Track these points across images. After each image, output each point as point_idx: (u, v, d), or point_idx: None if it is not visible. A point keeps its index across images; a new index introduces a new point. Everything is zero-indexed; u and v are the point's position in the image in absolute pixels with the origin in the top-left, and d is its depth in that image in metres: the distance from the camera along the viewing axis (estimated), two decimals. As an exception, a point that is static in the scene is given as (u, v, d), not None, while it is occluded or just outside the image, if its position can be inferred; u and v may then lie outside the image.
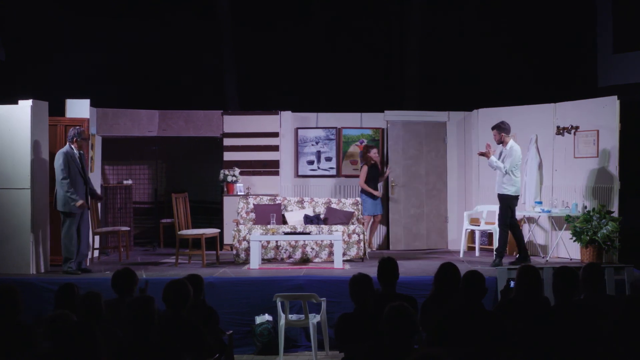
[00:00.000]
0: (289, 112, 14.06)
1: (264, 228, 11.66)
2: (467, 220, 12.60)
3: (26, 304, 6.11)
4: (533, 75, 15.06)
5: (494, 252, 11.15)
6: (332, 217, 12.26)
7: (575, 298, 6.09)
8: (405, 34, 15.89)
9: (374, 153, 13.11)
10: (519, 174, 10.98)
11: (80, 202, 10.21)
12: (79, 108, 11.86)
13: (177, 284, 6.05)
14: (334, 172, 13.99)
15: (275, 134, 13.79)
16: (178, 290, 6.01)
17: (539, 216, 11.72)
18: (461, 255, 12.36)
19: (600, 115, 11.72)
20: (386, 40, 16.30)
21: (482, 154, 11.22)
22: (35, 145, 10.40)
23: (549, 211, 11.75)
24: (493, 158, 11.03)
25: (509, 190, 10.91)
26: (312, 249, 11.60)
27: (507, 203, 10.96)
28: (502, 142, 11.04)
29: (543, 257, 11.57)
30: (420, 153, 13.85)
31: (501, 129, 11.03)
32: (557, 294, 6.01)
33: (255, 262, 10.92)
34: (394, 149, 13.82)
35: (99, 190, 13.07)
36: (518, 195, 11.07)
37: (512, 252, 12.38)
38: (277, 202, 12.54)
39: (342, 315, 6.06)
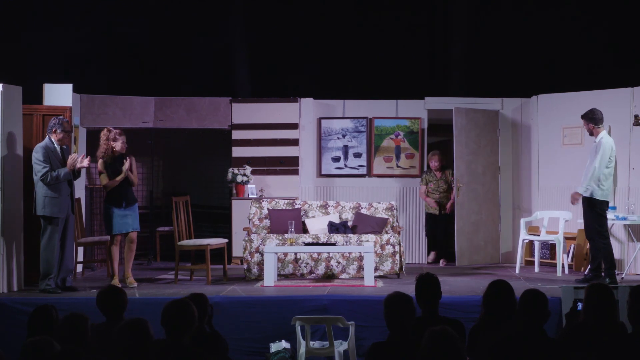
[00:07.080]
0: (311, 99, 14.08)
1: (280, 238, 11.67)
2: (525, 228, 12.52)
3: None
4: (605, 54, 14.89)
5: (602, 274, 10.82)
6: (361, 224, 12.24)
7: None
8: (450, 4, 15.79)
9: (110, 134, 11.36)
10: (609, 174, 10.91)
11: (73, 158, 10.40)
12: (59, 94, 11.89)
13: (180, 305, 6.00)
14: (364, 170, 13.99)
15: (294, 125, 13.83)
16: (181, 312, 5.95)
17: (613, 224, 11.64)
18: (517, 270, 12.29)
19: (689, 102, 11.68)
20: (427, 12, 16.21)
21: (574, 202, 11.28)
22: (6, 139, 10.44)
23: (624, 218, 11.66)
24: (579, 196, 11.02)
25: (595, 194, 10.84)
26: (338, 262, 11.59)
27: (593, 208, 10.90)
28: (592, 133, 11.08)
29: (618, 274, 11.48)
30: (479, 147, 13.67)
31: (590, 119, 11.06)
32: (635, 319, 5.94)
33: (270, 279, 10.96)
34: (458, 141, 13.38)
35: (83, 193, 13.13)
36: (606, 201, 10.99)
37: (580, 268, 12.30)
38: (296, 206, 12.55)
39: (375, 343, 6.03)
